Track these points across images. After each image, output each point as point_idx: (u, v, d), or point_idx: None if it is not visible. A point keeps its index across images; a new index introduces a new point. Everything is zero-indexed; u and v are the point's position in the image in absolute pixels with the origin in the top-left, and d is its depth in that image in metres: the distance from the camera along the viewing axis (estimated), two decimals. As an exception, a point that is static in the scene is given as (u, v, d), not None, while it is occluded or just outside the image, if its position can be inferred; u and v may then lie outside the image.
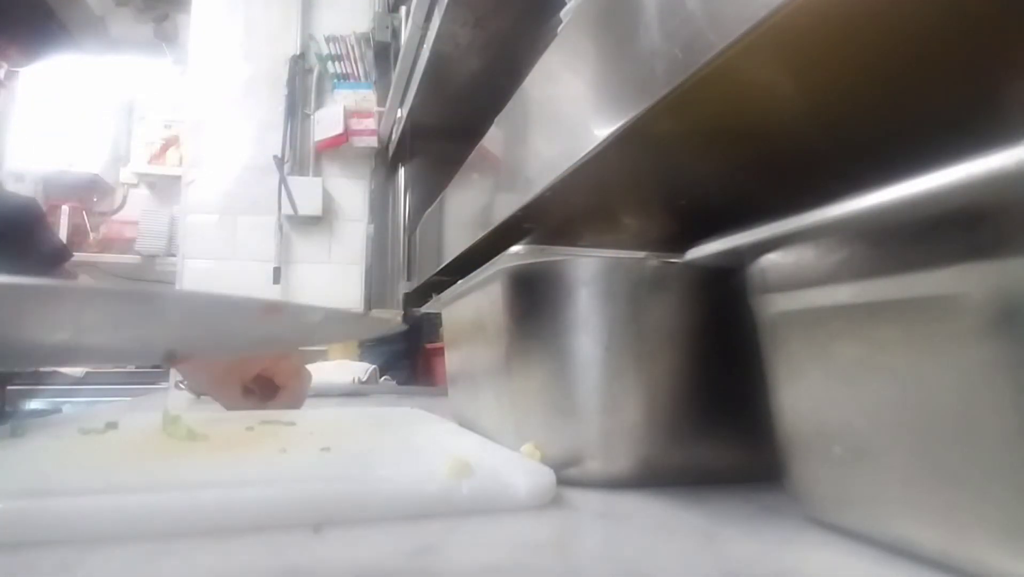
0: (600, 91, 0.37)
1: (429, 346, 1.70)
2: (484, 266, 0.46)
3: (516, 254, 0.43)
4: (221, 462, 0.39)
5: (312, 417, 0.63)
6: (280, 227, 2.12)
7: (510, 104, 0.54)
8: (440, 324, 0.73)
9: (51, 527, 0.26)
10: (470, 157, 0.67)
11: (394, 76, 1.72)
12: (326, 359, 1.51)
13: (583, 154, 0.39)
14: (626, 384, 0.37)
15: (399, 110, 1.75)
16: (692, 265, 0.36)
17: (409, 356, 1.79)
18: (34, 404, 2.05)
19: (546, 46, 0.45)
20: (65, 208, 2.94)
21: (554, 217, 0.51)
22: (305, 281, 2.13)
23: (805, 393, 0.29)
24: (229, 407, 0.75)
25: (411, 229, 1.80)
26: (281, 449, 0.43)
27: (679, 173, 0.41)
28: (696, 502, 0.34)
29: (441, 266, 0.80)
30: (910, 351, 0.24)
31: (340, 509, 0.30)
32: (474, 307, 0.52)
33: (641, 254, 0.39)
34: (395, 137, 1.93)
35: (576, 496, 0.35)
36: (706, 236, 0.35)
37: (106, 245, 2.97)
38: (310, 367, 0.86)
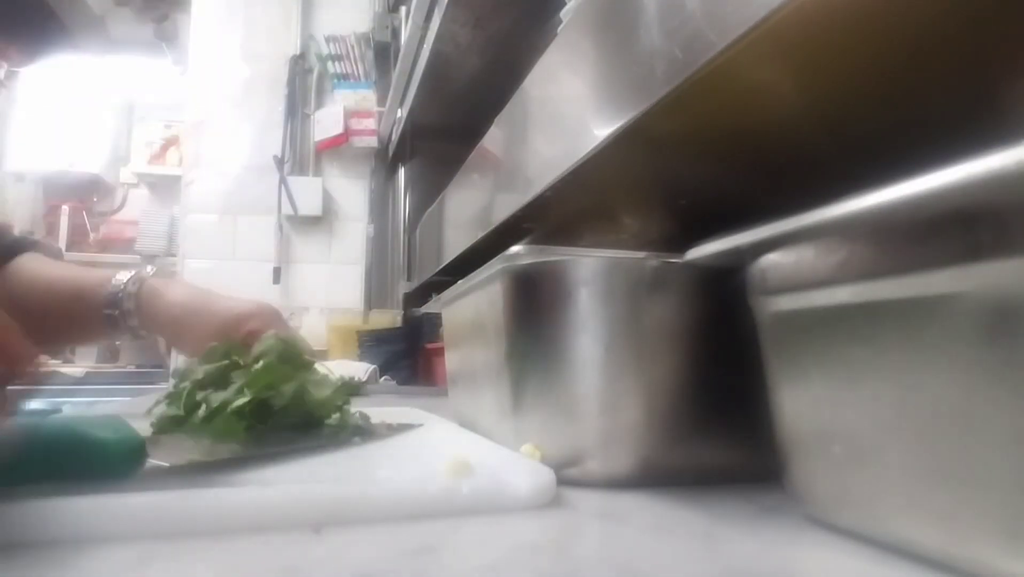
0: (600, 91, 0.37)
1: (429, 346, 1.70)
2: (484, 266, 0.46)
3: (516, 254, 0.43)
4: (221, 461, 0.39)
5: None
6: (280, 227, 2.12)
7: (510, 104, 0.54)
8: (440, 324, 0.73)
9: (51, 527, 0.26)
10: (470, 157, 0.67)
11: (394, 76, 1.73)
12: (326, 359, 1.51)
13: (583, 154, 0.39)
14: (626, 384, 0.37)
15: (399, 110, 1.75)
16: (692, 265, 0.36)
17: (409, 356, 1.79)
18: (34, 404, 2.05)
19: (546, 46, 0.45)
20: (65, 208, 2.94)
21: (554, 217, 0.51)
22: (305, 281, 2.13)
23: (805, 393, 0.29)
24: None
25: (411, 229, 1.80)
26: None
27: (679, 173, 0.41)
28: (696, 502, 0.34)
29: (441, 266, 0.80)
30: (910, 351, 0.24)
31: (340, 509, 0.30)
32: (474, 307, 0.52)
33: (641, 254, 0.39)
34: (395, 137, 1.93)
35: (576, 496, 0.35)
36: (706, 236, 0.35)
37: (106, 245, 2.97)
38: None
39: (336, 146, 2.17)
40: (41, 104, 2.91)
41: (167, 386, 0.56)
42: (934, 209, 0.21)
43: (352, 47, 2.21)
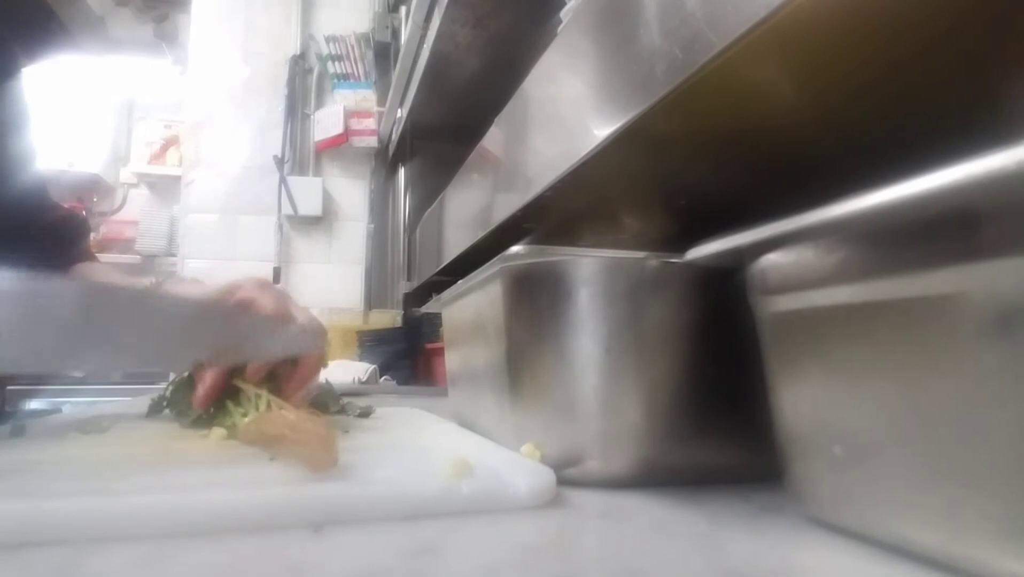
0: (600, 91, 0.37)
1: (429, 346, 1.70)
2: (484, 266, 0.46)
3: (516, 254, 0.43)
4: (222, 461, 0.39)
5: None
6: (280, 227, 2.12)
7: (510, 104, 0.54)
8: (440, 324, 0.73)
9: (51, 527, 0.26)
10: (470, 157, 0.67)
11: (394, 76, 1.73)
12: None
13: (583, 154, 0.39)
14: (626, 384, 0.37)
15: (399, 110, 1.75)
16: (692, 265, 0.36)
17: (409, 356, 1.79)
18: (34, 404, 2.05)
19: (546, 46, 0.45)
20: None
21: (554, 217, 0.51)
22: (305, 281, 2.13)
23: (805, 393, 0.29)
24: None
25: (411, 229, 1.80)
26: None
27: (679, 173, 0.41)
28: (696, 502, 0.34)
29: (441, 266, 0.80)
30: (910, 351, 0.24)
31: (340, 509, 0.30)
32: (474, 307, 0.52)
33: (641, 254, 0.39)
34: (395, 137, 1.93)
35: (576, 496, 0.35)
36: (706, 236, 0.35)
37: (106, 245, 2.97)
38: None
39: (336, 146, 2.17)
40: (41, 104, 2.91)
41: (167, 385, 0.57)
42: (934, 209, 0.21)
43: (352, 47, 2.21)
